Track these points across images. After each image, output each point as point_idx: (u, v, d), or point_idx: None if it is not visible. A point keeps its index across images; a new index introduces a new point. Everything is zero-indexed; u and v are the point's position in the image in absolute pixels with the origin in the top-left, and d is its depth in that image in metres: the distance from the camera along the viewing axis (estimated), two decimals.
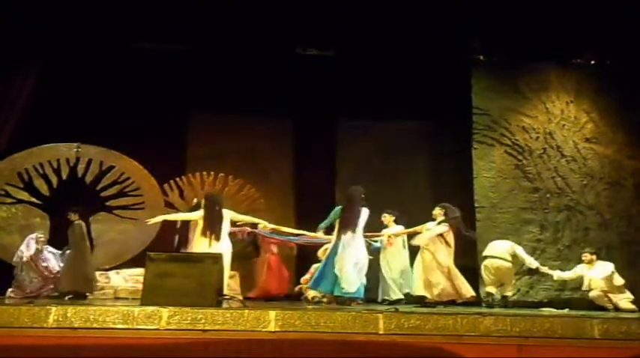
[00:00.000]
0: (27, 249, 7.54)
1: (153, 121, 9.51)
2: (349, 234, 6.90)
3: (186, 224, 8.06)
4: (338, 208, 7.19)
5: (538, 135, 9.17)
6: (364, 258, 6.97)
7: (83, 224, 7.71)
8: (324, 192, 9.46)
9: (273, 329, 5.04)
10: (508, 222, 8.83)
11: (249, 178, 9.42)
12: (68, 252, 7.62)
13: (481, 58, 9.25)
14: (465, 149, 9.18)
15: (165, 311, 5.12)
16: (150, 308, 5.18)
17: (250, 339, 4.93)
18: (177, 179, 9.24)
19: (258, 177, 9.60)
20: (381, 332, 5.01)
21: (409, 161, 10.06)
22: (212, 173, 9.26)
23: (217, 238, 6.73)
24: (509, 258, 7.87)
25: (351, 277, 6.72)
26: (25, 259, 7.46)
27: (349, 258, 6.78)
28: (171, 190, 9.20)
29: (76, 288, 7.35)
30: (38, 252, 7.59)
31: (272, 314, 5.13)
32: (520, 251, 7.99)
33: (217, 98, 9.50)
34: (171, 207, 9.12)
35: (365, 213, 7.06)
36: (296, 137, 10.22)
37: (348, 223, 6.94)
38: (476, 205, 8.81)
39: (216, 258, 6.25)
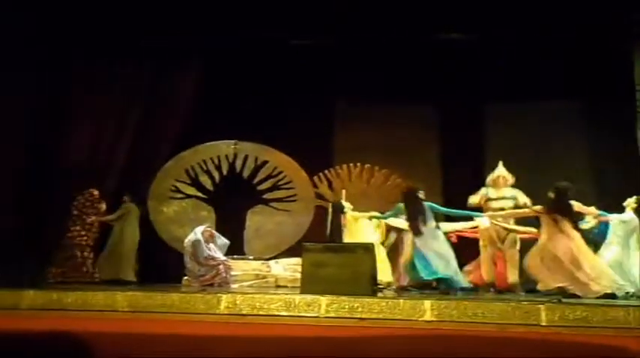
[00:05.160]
0: (192, 241, 8.11)
1: (301, 117, 9.76)
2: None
3: (338, 215, 8.24)
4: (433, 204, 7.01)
5: None
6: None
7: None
8: (471, 179, 9.17)
9: (428, 319, 5.08)
10: None
11: (395, 168, 9.43)
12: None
13: None
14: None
15: (323, 300, 5.37)
16: (309, 297, 5.46)
17: (406, 335, 4.89)
18: (326, 171, 9.51)
19: (404, 166, 9.55)
20: (543, 324, 4.84)
21: (561, 147, 9.43)
22: (358, 164, 9.42)
23: None
24: None
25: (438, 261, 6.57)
26: (190, 250, 8.05)
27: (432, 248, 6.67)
28: (320, 182, 9.49)
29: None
30: (203, 243, 8.12)
31: (427, 303, 5.18)
32: None
33: (361, 90, 9.59)
34: (321, 198, 9.42)
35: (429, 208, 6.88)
36: (441, 124, 10.05)
37: None
38: None
39: (368, 248, 6.42)
